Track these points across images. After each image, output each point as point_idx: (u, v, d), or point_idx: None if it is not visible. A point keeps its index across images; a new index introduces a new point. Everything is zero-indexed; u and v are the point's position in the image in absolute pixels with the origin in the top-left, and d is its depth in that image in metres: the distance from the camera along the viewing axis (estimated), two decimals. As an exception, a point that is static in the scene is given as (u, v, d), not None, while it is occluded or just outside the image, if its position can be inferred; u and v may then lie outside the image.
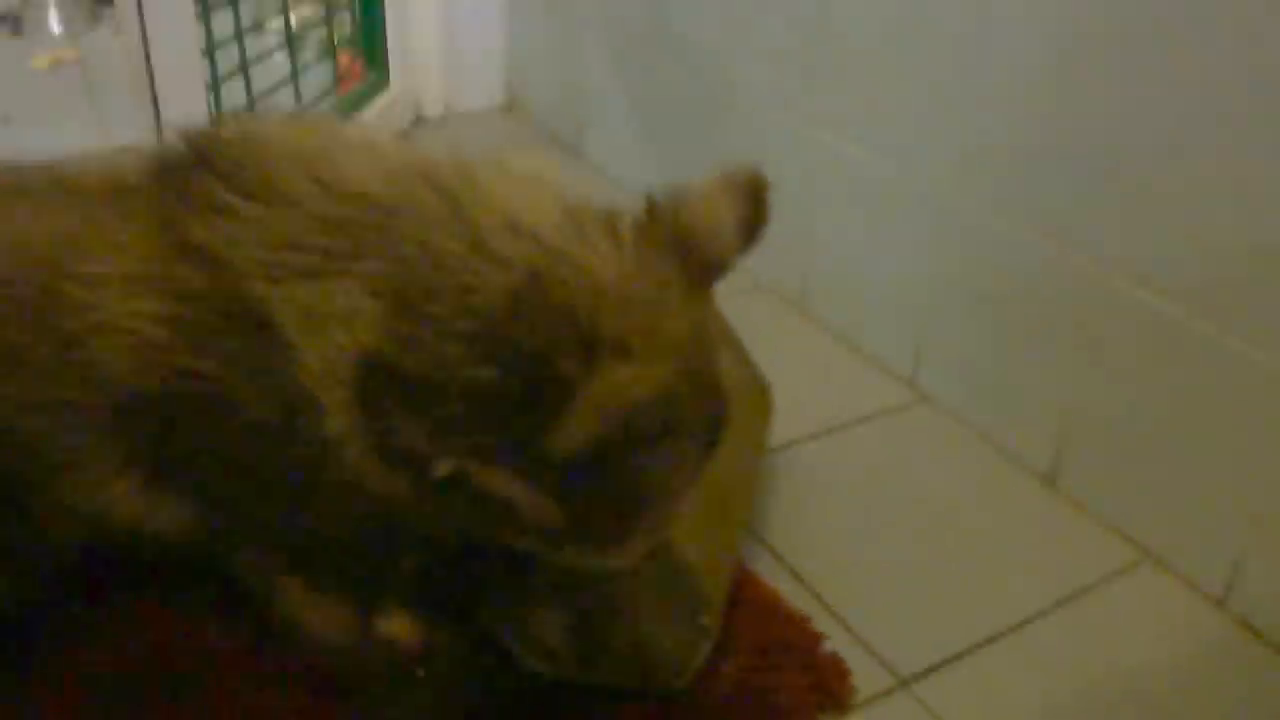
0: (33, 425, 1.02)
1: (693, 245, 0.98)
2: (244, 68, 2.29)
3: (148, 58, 2.14)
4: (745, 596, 1.41)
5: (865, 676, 1.34)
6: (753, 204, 1.05)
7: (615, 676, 1.25)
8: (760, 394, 1.57)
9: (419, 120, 2.93)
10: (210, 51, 2.19)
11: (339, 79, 2.66)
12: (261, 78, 2.37)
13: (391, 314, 0.91)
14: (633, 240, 0.96)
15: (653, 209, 0.99)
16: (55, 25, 3.80)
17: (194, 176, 0.99)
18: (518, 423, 0.88)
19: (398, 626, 1.23)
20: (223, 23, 2.27)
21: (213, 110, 2.19)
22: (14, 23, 3.78)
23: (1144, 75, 1.42)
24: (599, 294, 0.90)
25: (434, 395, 0.88)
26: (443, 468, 0.93)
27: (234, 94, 2.27)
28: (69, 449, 1.03)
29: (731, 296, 1.55)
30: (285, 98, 2.40)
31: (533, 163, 1.03)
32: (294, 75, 2.43)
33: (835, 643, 1.37)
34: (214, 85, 2.20)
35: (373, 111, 2.72)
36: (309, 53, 2.64)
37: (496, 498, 0.95)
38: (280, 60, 2.51)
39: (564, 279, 0.90)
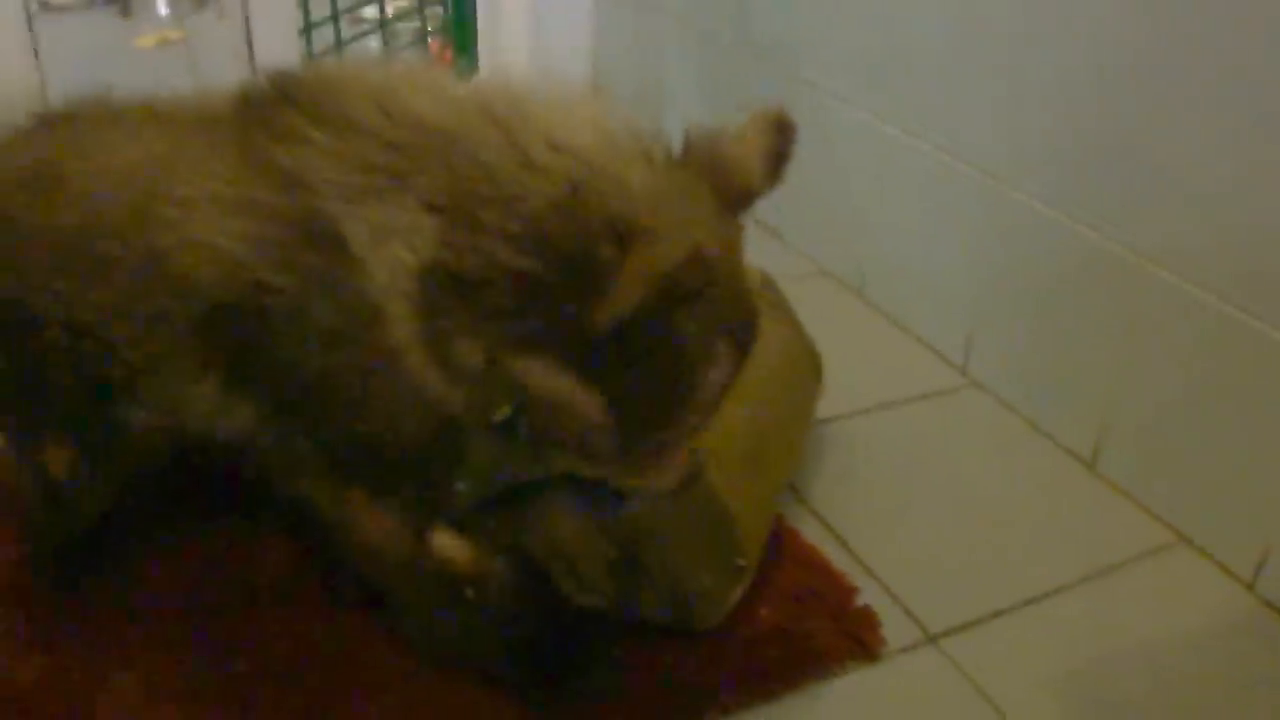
0: (122, 330, 1.11)
1: (723, 173, 1.06)
2: (338, 47, 2.39)
3: (249, 39, 2.25)
4: (785, 549, 1.49)
5: (896, 630, 1.41)
6: (778, 140, 1.11)
7: (653, 612, 1.32)
8: (811, 362, 1.64)
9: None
10: (307, 31, 2.29)
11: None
12: (355, 60, 2.47)
13: (447, 225, 1.00)
14: (664, 161, 1.04)
15: (688, 139, 1.07)
16: (162, 7, 3.94)
17: (276, 110, 1.08)
18: (560, 305, 0.97)
19: (451, 547, 1.29)
20: (320, 5, 2.38)
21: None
22: (123, 4, 3.94)
23: (1188, 72, 1.48)
24: (632, 199, 0.98)
25: (483, 288, 0.98)
26: (501, 409, 1.06)
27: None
28: (152, 354, 1.11)
29: (793, 281, 1.63)
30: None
31: (581, 89, 1.11)
32: (386, 58, 2.53)
33: (869, 598, 1.44)
34: (310, 63, 2.31)
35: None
36: (402, 39, 2.75)
37: (544, 402, 1.04)
38: (373, 46, 2.61)
39: (600, 189, 0.98)
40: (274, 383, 1.11)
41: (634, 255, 0.95)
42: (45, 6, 3.83)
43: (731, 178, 1.07)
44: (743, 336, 1.09)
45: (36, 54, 2.64)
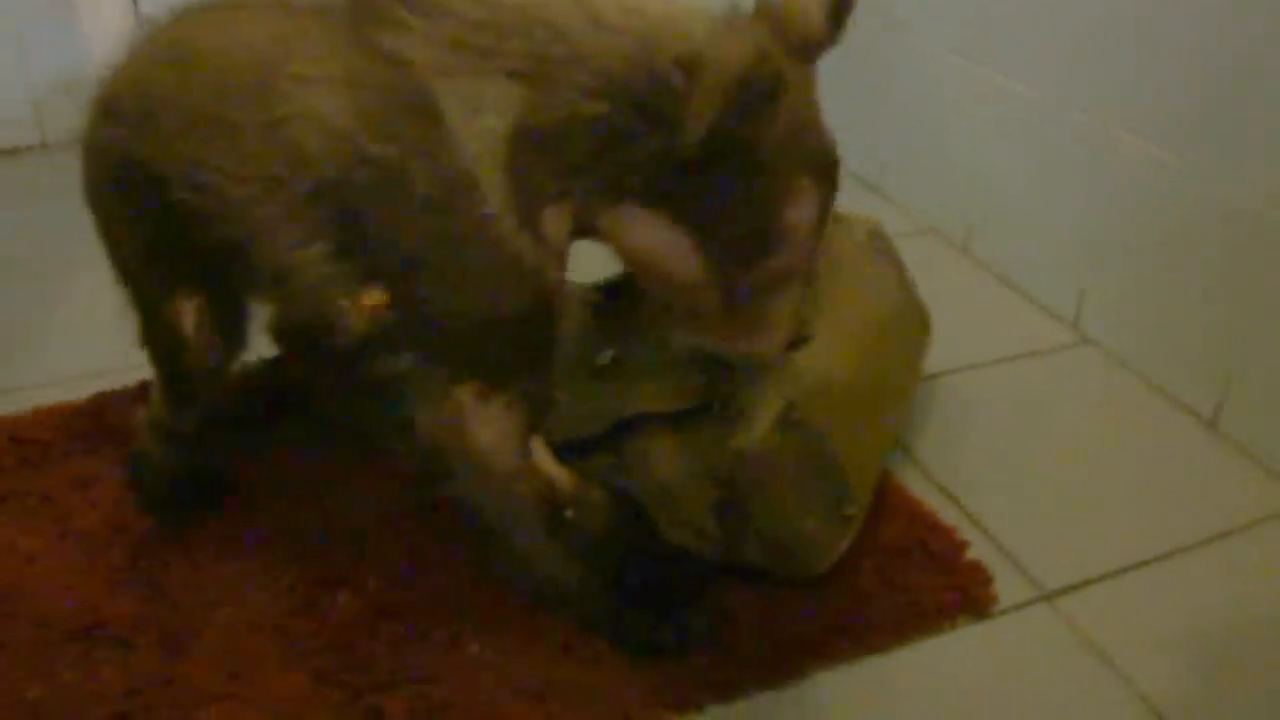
0: (240, 193, 1.18)
1: (787, 25, 1.12)
2: None
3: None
4: (892, 503, 1.45)
5: (1008, 587, 1.36)
6: None
7: (757, 557, 1.29)
8: (919, 315, 1.60)
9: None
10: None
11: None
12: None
13: (530, 90, 1.08)
14: (729, 16, 1.10)
15: None
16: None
17: (381, 1, 1.16)
18: (642, 142, 1.07)
19: (554, 466, 1.31)
20: None
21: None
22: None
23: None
24: (696, 45, 1.05)
25: (565, 142, 1.08)
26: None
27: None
28: (266, 217, 1.18)
29: (900, 238, 1.59)
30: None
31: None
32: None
33: (980, 553, 1.40)
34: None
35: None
36: None
37: (642, 258, 1.15)
38: None
39: (667, 38, 1.06)
40: (376, 255, 1.16)
41: (705, 71, 1.02)
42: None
43: (796, 29, 1.13)
44: (825, 173, 1.14)
45: (136, 11, 2.68)
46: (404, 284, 1.15)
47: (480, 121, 1.10)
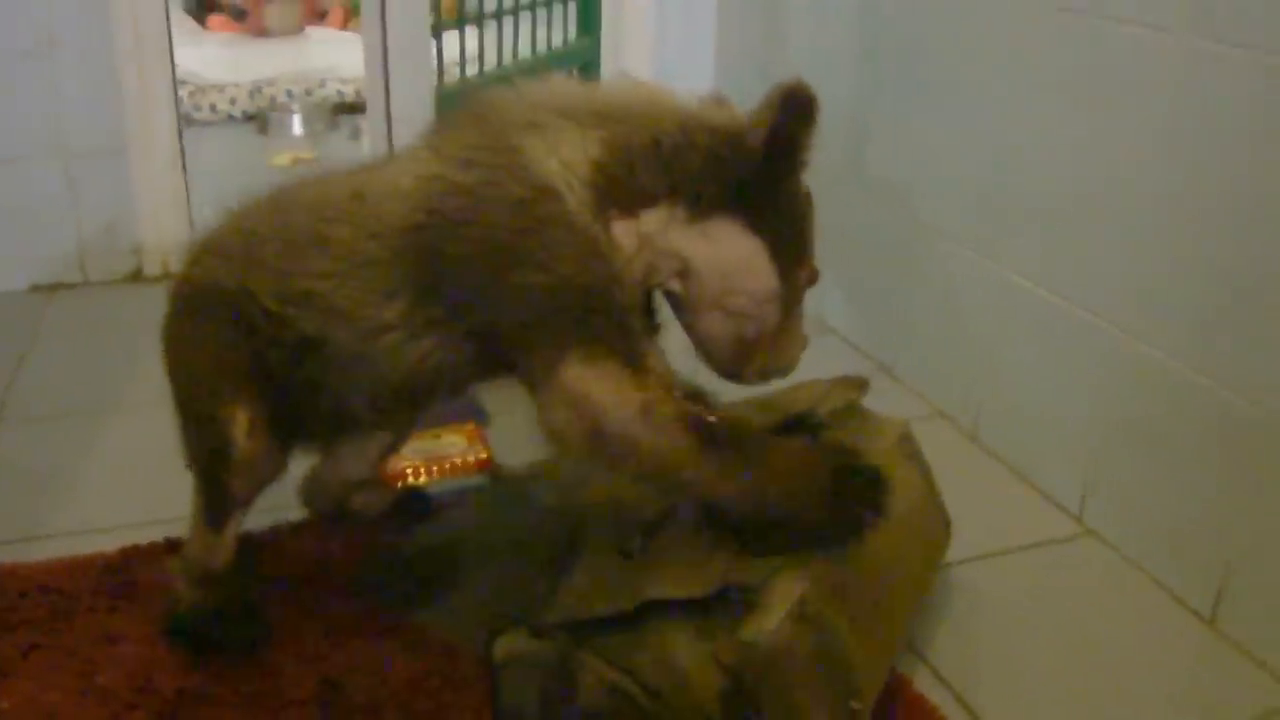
0: (325, 285, 1.39)
1: None
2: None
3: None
4: (897, 696, 1.48)
5: (1008, 786, 1.38)
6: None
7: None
8: (941, 523, 1.65)
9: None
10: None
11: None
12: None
13: (603, 132, 1.35)
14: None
15: None
16: (297, 128, 4.11)
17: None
18: (714, 164, 1.35)
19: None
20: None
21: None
22: (261, 122, 4.12)
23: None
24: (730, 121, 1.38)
25: (637, 160, 1.34)
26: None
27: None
28: (349, 295, 1.38)
29: (911, 421, 1.63)
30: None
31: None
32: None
33: (981, 751, 1.42)
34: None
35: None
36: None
37: (719, 265, 1.38)
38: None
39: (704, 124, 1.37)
40: (458, 283, 1.35)
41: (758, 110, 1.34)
42: (190, 121, 4.01)
43: None
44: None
45: (184, 165, 2.78)
46: (495, 283, 1.32)
47: (559, 154, 1.33)
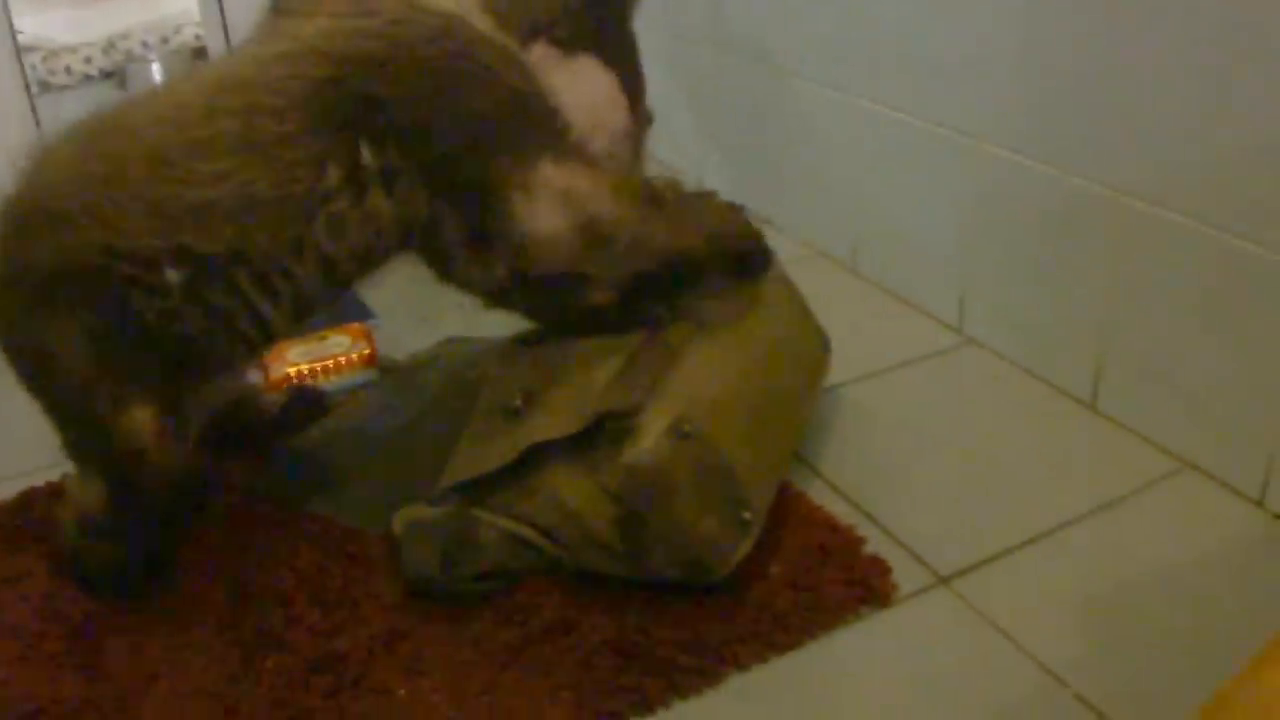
0: (232, 189, 1.27)
1: None
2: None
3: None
4: (793, 509, 1.52)
5: (906, 575, 1.43)
6: None
7: (663, 567, 1.34)
8: (817, 338, 1.68)
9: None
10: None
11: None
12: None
13: None
14: None
15: None
16: (158, 77, 4.02)
17: None
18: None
19: None
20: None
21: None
22: (120, 78, 4.02)
23: (1137, 5, 1.51)
24: None
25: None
26: None
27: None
28: (274, 181, 1.28)
29: (790, 263, 1.66)
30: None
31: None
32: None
33: (878, 547, 1.47)
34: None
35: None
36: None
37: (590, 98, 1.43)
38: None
39: None
40: (393, 113, 1.31)
41: None
42: (46, 87, 3.91)
43: None
44: None
45: (39, 129, 2.72)
46: (441, 120, 1.31)
47: None
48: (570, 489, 1.35)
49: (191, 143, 1.27)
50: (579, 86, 1.43)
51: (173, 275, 1.28)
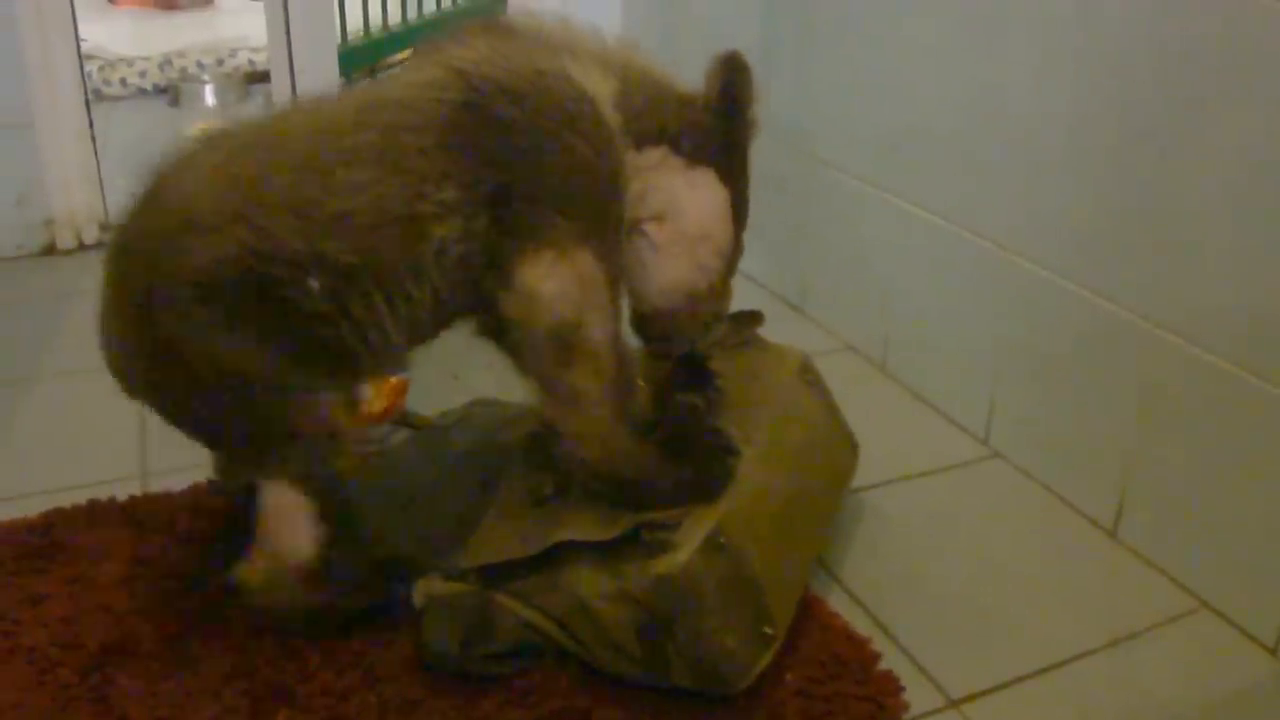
0: (367, 200, 1.31)
1: None
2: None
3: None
4: (812, 617, 1.52)
5: (918, 695, 1.43)
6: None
7: (680, 677, 1.35)
8: (847, 447, 1.69)
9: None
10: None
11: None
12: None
13: (618, 83, 1.42)
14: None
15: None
16: (210, 99, 4.07)
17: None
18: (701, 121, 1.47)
19: None
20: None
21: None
22: (174, 95, 4.07)
23: (1198, 144, 1.53)
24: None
25: (655, 96, 1.45)
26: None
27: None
28: (400, 195, 1.32)
29: (818, 356, 1.68)
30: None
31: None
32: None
33: (892, 663, 1.47)
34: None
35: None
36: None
37: (696, 215, 1.48)
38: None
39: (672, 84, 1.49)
40: (504, 163, 1.34)
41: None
42: (99, 96, 3.96)
43: None
44: None
45: (93, 139, 2.76)
46: (542, 157, 1.34)
47: (590, 77, 1.38)
48: (593, 589, 1.36)
49: (337, 151, 1.32)
50: (695, 194, 1.48)
51: (313, 281, 1.30)
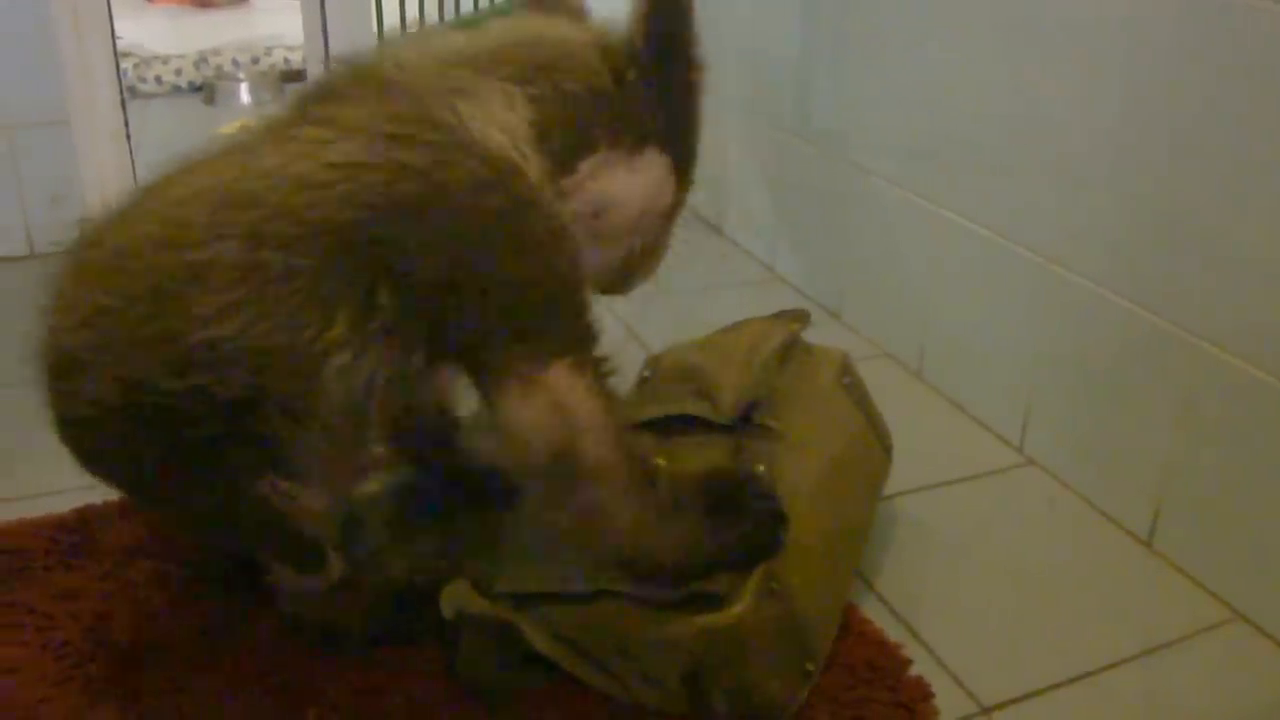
0: (237, 326, 1.13)
1: None
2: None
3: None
4: (844, 623, 1.50)
5: (950, 701, 1.42)
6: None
7: (720, 714, 1.33)
8: (881, 451, 1.68)
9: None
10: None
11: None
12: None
13: (530, 89, 1.24)
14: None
15: None
16: (245, 96, 4.09)
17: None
18: (617, 97, 1.30)
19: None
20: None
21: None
22: (209, 93, 4.09)
23: (1244, 154, 1.52)
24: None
25: (577, 105, 1.26)
26: None
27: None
28: (279, 323, 1.14)
29: (856, 362, 1.67)
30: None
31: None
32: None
33: (923, 670, 1.46)
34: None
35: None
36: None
37: (642, 192, 1.35)
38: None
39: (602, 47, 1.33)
40: (423, 273, 1.16)
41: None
42: (134, 93, 3.98)
43: None
44: None
45: (128, 137, 2.77)
46: (464, 279, 1.17)
47: (496, 120, 1.19)
48: (634, 632, 1.32)
49: (191, 268, 1.13)
50: (636, 180, 1.34)
51: (202, 411, 1.16)
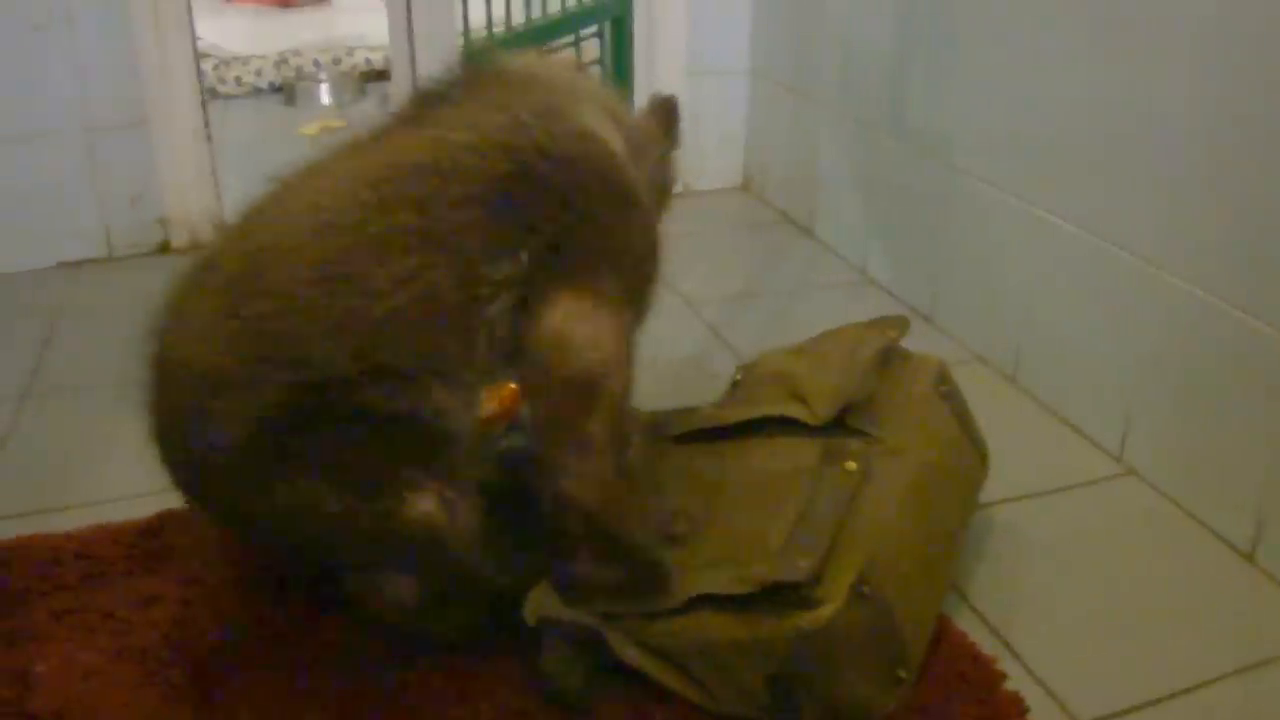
0: (411, 294, 1.23)
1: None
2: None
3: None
4: (937, 634, 1.46)
5: (1043, 717, 1.37)
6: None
7: (806, 718, 1.30)
8: (977, 458, 1.63)
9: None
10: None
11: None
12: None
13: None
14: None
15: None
16: (325, 97, 4.10)
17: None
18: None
19: None
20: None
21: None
22: (289, 94, 4.11)
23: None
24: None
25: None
26: None
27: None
28: (449, 279, 1.27)
29: (949, 367, 1.62)
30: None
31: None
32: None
33: (1017, 684, 1.41)
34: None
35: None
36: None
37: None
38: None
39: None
40: (577, 193, 1.35)
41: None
42: (214, 94, 4.00)
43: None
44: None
45: (209, 137, 2.77)
46: (582, 231, 1.34)
47: (604, 128, 1.43)
48: (721, 636, 1.29)
49: (366, 243, 1.21)
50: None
51: (375, 393, 1.21)
